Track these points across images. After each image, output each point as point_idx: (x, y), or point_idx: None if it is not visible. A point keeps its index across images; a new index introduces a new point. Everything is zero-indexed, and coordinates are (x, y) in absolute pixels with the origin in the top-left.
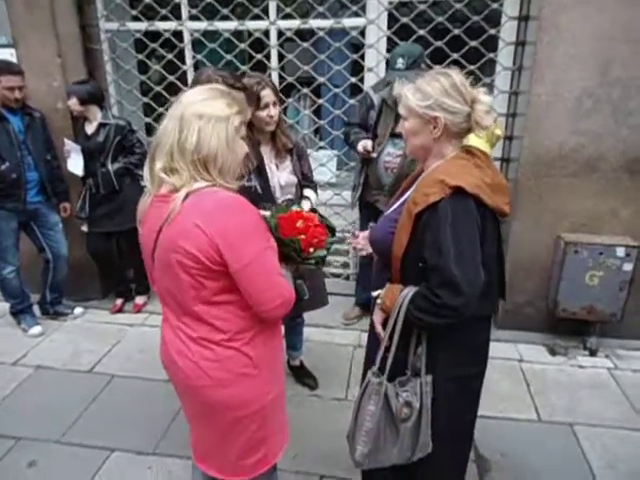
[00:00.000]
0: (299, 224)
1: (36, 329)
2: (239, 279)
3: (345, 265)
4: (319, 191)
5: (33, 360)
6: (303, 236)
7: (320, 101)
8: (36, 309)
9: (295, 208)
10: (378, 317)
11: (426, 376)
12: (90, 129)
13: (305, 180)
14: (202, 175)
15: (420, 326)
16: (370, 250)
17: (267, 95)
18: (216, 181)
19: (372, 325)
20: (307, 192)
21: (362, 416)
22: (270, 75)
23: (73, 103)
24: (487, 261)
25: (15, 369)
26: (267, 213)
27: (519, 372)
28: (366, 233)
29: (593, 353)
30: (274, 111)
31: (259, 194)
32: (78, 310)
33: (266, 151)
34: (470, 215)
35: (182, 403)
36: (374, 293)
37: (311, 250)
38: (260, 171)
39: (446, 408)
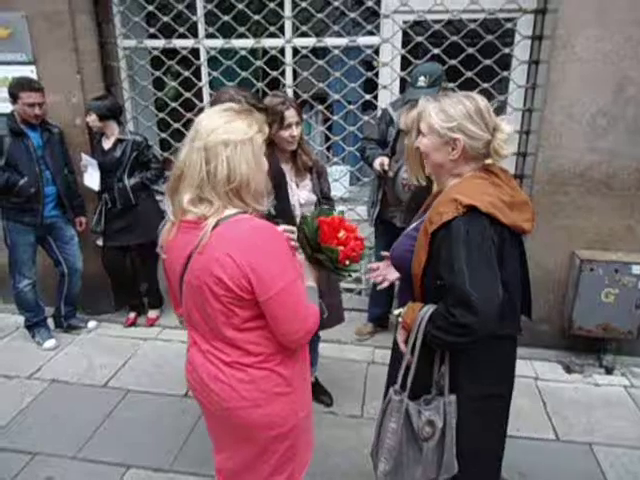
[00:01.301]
0: (341, 235)
1: (50, 342)
2: (266, 309)
3: (358, 280)
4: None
5: (48, 374)
6: (342, 247)
7: (334, 117)
8: (50, 322)
9: (337, 213)
10: (400, 335)
11: (450, 395)
12: (107, 144)
13: (324, 198)
14: (234, 203)
15: (439, 344)
16: (391, 278)
17: (291, 116)
18: (249, 207)
19: (395, 343)
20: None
21: (384, 433)
22: (286, 92)
23: (92, 119)
24: (507, 280)
25: (30, 383)
26: (308, 214)
27: (535, 390)
28: (383, 263)
29: (609, 371)
30: (297, 131)
31: (274, 216)
32: (92, 323)
33: (287, 169)
34: (484, 234)
35: (210, 425)
36: (395, 312)
37: (347, 262)
38: (278, 193)
39: (471, 428)
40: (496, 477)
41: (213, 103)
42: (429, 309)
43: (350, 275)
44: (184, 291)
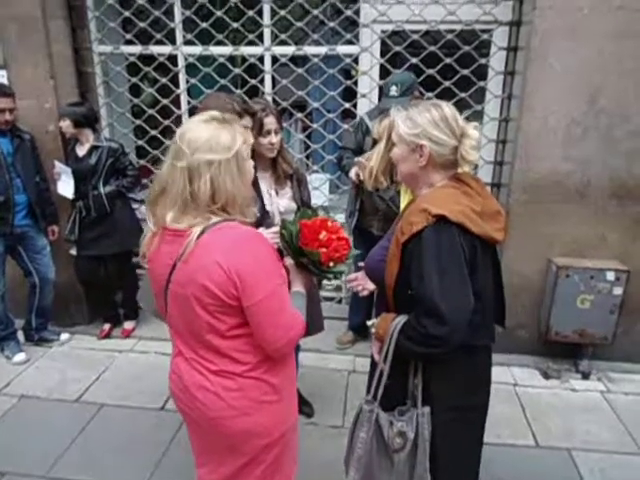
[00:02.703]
0: (322, 236)
1: (20, 356)
2: (250, 315)
3: (338, 288)
4: None
5: (17, 389)
6: (324, 249)
7: (314, 126)
8: (20, 335)
9: (322, 215)
10: (374, 346)
11: (423, 407)
12: (81, 151)
13: (304, 206)
14: (219, 215)
15: (411, 355)
16: (371, 287)
17: (270, 122)
18: (236, 218)
19: (372, 354)
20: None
21: (355, 442)
22: (266, 100)
23: (66, 125)
24: (479, 290)
25: None
26: (289, 218)
27: (514, 396)
28: (361, 273)
29: (585, 376)
30: (276, 138)
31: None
32: (64, 336)
33: (266, 177)
34: (454, 243)
35: (193, 437)
36: (369, 322)
37: (331, 264)
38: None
39: (447, 440)
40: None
41: (203, 110)
42: (401, 320)
43: (337, 277)
44: (168, 300)
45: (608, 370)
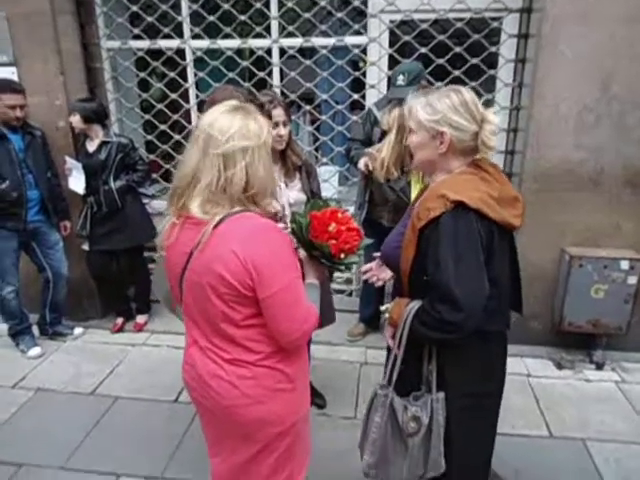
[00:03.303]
0: (331, 228)
1: (35, 350)
2: (265, 307)
3: (348, 281)
4: None
5: (33, 383)
6: (334, 241)
7: (323, 117)
8: (35, 330)
9: (333, 205)
10: (388, 331)
11: (438, 393)
12: (92, 147)
13: (314, 198)
14: (246, 206)
15: (425, 340)
16: (386, 277)
17: (278, 115)
18: (260, 209)
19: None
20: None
21: (369, 427)
22: (274, 92)
23: (76, 120)
24: (495, 276)
25: (15, 392)
26: (300, 210)
27: (527, 387)
28: (375, 264)
29: (599, 366)
30: (284, 130)
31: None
32: (78, 330)
33: (275, 169)
34: (471, 229)
35: (207, 427)
36: (382, 307)
37: (342, 255)
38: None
39: (461, 426)
40: (484, 477)
41: (211, 102)
42: (415, 305)
43: (349, 268)
44: (184, 289)
45: (622, 360)
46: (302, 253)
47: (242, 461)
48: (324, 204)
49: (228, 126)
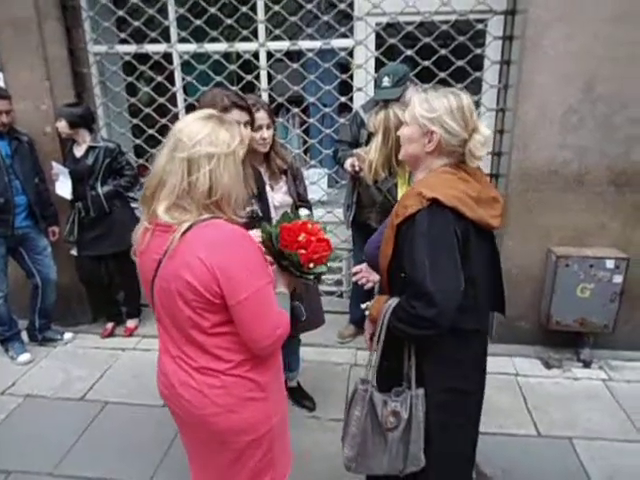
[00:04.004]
0: (301, 237)
1: (25, 356)
2: (234, 314)
3: (338, 283)
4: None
5: (22, 389)
6: (303, 251)
7: (310, 120)
8: (24, 336)
9: (303, 217)
10: (368, 328)
11: (417, 389)
12: (79, 152)
13: (300, 200)
14: (211, 211)
15: (402, 337)
16: (375, 279)
17: (261, 117)
18: (227, 216)
19: (383, 361)
20: (302, 211)
21: (350, 421)
22: (260, 96)
23: (62, 126)
24: (472, 275)
25: (3, 399)
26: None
27: (516, 386)
28: (365, 265)
29: (587, 365)
30: (267, 133)
31: (260, 217)
32: (68, 335)
33: (261, 172)
34: (446, 227)
35: (183, 435)
36: (363, 305)
37: (311, 265)
38: (261, 194)
39: (436, 422)
40: (465, 476)
41: (200, 106)
42: (394, 301)
43: (317, 279)
44: (155, 295)
45: (610, 358)
46: (271, 263)
47: (219, 470)
48: (294, 217)
49: (197, 132)
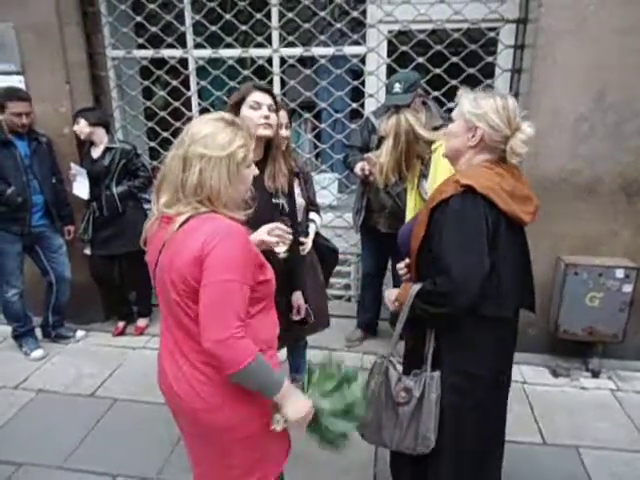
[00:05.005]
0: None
1: (38, 352)
2: (200, 297)
3: (347, 287)
4: (321, 213)
5: (35, 384)
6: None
7: (322, 126)
8: (38, 332)
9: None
10: (391, 295)
11: (432, 372)
12: (96, 153)
13: (310, 204)
14: (207, 206)
15: (423, 318)
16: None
17: (282, 117)
18: (221, 212)
19: (408, 338)
20: (312, 215)
21: (365, 389)
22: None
23: (82, 125)
24: (497, 265)
25: (17, 393)
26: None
27: (523, 394)
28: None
29: (595, 374)
30: (286, 132)
31: (286, 212)
32: (80, 333)
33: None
34: (477, 211)
35: (180, 430)
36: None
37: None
38: (290, 193)
39: (451, 404)
40: (478, 462)
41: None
42: (419, 285)
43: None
44: (156, 284)
45: (619, 368)
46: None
47: (211, 463)
48: (337, 368)
49: (197, 132)
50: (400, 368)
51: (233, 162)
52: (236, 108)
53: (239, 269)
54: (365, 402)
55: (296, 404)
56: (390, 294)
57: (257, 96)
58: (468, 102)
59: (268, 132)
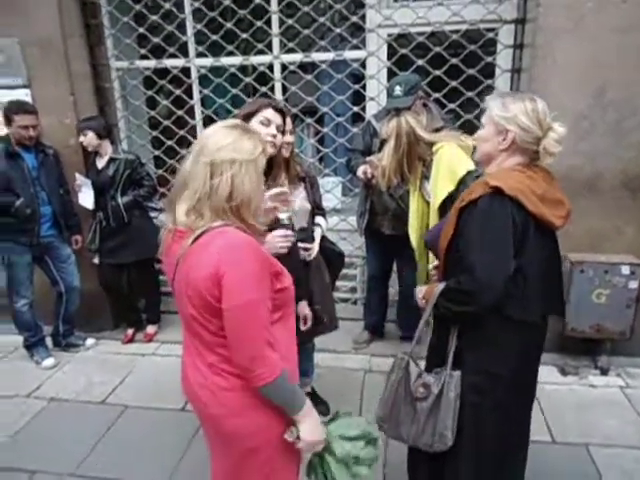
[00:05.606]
0: None
1: (49, 361)
2: (225, 319)
3: (353, 290)
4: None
5: (47, 392)
6: None
7: (324, 130)
8: (48, 341)
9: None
10: (419, 292)
11: (453, 371)
12: (101, 164)
13: (316, 208)
14: (229, 219)
15: (447, 316)
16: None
17: (287, 123)
18: (246, 222)
19: (433, 337)
20: (318, 219)
21: (387, 385)
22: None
23: (90, 138)
24: (524, 267)
25: (29, 401)
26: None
27: None
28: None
29: (604, 372)
30: (290, 138)
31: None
32: (90, 341)
33: (280, 177)
34: (504, 212)
35: (204, 431)
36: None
37: None
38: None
39: (471, 403)
40: (498, 463)
41: (241, 111)
42: (444, 284)
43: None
44: (176, 297)
45: (627, 365)
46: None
47: (229, 469)
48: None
49: (222, 138)
50: (422, 365)
51: (259, 167)
52: (246, 120)
53: (258, 284)
54: (372, 474)
55: (313, 427)
56: (419, 291)
57: (270, 113)
58: (496, 106)
59: (271, 150)
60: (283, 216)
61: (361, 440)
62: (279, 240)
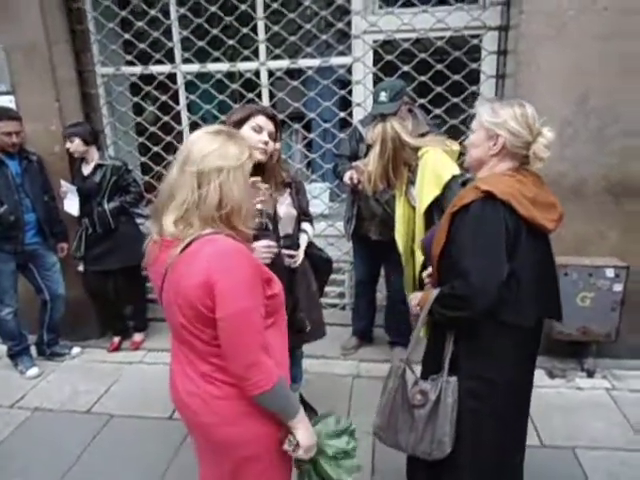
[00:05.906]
0: None
1: (33, 371)
2: (219, 329)
3: (341, 295)
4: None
5: (31, 402)
6: None
7: (311, 135)
8: (33, 350)
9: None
10: (414, 299)
11: (450, 376)
12: (87, 170)
13: (303, 214)
14: (218, 227)
15: (441, 322)
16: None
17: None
18: (236, 229)
19: (430, 341)
20: (304, 225)
21: (383, 393)
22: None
23: (77, 144)
24: (517, 271)
25: (12, 412)
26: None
27: None
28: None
29: (591, 374)
30: (277, 145)
31: (268, 229)
32: (75, 350)
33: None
34: (496, 217)
35: (194, 440)
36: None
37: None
38: (274, 213)
39: (468, 409)
40: (495, 469)
41: (230, 117)
42: (439, 290)
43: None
44: (164, 307)
45: (614, 367)
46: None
47: (222, 478)
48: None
49: (207, 146)
50: (418, 372)
51: (246, 172)
52: (238, 126)
53: (250, 291)
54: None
55: (309, 431)
56: (414, 298)
57: (262, 120)
58: (486, 112)
59: (262, 157)
60: (265, 262)
61: (345, 435)
62: (263, 251)
